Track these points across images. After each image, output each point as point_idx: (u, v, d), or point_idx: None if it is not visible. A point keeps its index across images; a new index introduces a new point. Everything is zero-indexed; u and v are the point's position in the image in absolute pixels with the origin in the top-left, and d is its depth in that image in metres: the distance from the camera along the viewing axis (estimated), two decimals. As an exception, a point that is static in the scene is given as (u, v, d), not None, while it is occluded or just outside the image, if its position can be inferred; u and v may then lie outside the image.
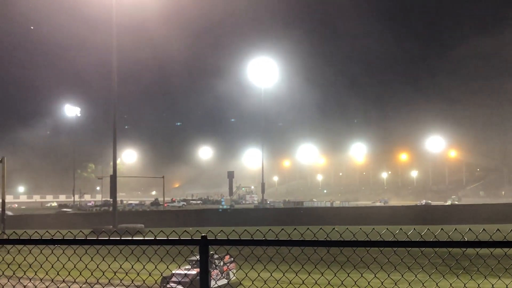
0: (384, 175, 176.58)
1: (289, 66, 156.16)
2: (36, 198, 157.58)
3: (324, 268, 5.66)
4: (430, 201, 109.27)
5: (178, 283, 16.66)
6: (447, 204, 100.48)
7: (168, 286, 16.65)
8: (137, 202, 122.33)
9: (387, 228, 5.83)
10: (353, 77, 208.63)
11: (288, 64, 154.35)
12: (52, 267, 6.20)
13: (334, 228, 5.49)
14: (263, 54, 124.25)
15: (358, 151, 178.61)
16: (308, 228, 5.60)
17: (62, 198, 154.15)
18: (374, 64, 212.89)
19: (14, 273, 8.64)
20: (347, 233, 5.56)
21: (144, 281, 6.33)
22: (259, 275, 5.74)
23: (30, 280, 11.34)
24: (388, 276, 5.60)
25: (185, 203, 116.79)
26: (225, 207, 74.29)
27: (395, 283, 5.62)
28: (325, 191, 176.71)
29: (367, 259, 5.85)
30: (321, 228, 5.58)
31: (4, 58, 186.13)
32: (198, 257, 14.86)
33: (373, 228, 5.50)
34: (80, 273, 6.26)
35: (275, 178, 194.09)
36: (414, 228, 5.01)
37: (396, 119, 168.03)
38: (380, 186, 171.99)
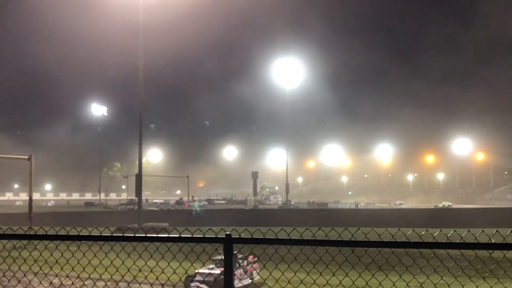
0: (410, 177, 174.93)
1: (315, 67, 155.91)
2: (63, 196, 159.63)
3: (348, 268, 5.63)
4: (451, 204, 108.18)
5: (202, 281, 16.72)
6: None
7: (192, 284, 16.72)
8: (162, 201, 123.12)
9: (413, 229, 5.78)
10: (380, 78, 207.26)
11: (314, 64, 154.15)
12: (78, 263, 6.27)
13: (359, 229, 5.45)
14: (288, 54, 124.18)
15: (384, 153, 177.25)
16: (333, 228, 5.57)
17: (88, 196, 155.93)
18: (401, 65, 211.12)
19: (40, 269, 8.78)
20: (372, 234, 5.53)
21: (168, 278, 6.36)
22: (283, 274, 5.73)
23: (56, 276, 11.50)
24: (414, 277, 5.55)
25: (206, 203, 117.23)
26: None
27: (421, 285, 5.57)
28: (350, 192, 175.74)
29: (392, 260, 5.79)
30: (346, 228, 5.56)
31: (33, 58, 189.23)
32: (222, 256, 14.88)
33: (399, 229, 5.45)
34: (106, 270, 6.32)
35: (300, 179, 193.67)
36: (441, 230, 4.95)
37: (423, 121, 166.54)
38: (406, 188, 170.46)
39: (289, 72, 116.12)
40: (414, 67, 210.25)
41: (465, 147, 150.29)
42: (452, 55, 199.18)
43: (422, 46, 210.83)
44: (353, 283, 5.90)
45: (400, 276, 5.97)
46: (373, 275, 5.67)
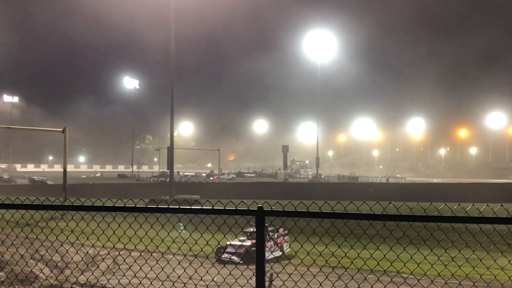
0: (442, 151, 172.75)
1: (347, 39, 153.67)
2: (96, 168, 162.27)
3: (380, 242, 5.66)
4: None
5: (234, 253, 16.93)
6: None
7: (223, 256, 16.95)
8: (193, 173, 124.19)
9: (445, 204, 5.75)
10: (413, 50, 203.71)
11: (346, 36, 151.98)
12: (114, 233, 6.42)
13: (390, 203, 5.45)
14: (320, 27, 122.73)
15: (416, 127, 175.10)
16: (364, 202, 5.59)
17: (121, 168, 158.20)
18: (434, 36, 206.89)
19: (77, 239, 9.02)
20: (404, 208, 5.52)
21: (201, 249, 6.49)
22: (314, 247, 5.78)
23: (92, 246, 11.80)
24: (445, 251, 5.56)
25: (234, 176, 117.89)
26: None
27: (452, 259, 5.58)
28: (381, 166, 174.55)
29: (424, 234, 5.79)
30: (377, 202, 5.56)
31: (66, 32, 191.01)
32: (253, 228, 15.01)
33: (431, 203, 5.43)
34: (141, 240, 6.46)
35: (330, 153, 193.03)
36: (473, 205, 4.92)
37: (456, 94, 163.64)
38: (438, 162, 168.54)
39: (321, 44, 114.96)
40: (448, 40, 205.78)
41: (500, 121, 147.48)
42: (486, 29, 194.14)
43: (459, 19, 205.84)
44: (384, 256, 5.94)
45: (431, 249, 5.98)
46: (404, 249, 5.69)
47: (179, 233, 6.97)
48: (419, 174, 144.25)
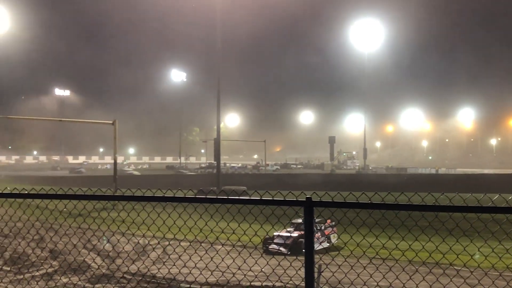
0: (493, 141, 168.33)
1: (395, 28, 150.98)
2: (145, 159, 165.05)
3: (432, 233, 5.54)
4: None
5: (281, 244, 16.96)
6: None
7: (270, 247, 17.00)
8: (239, 165, 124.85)
9: (499, 195, 5.60)
10: (462, 39, 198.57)
11: (394, 25, 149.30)
12: (164, 223, 6.50)
13: (443, 193, 5.32)
14: (367, 15, 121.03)
15: (466, 117, 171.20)
16: (416, 193, 5.47)
17: (169, 159, 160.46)
18: (485, 23, 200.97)
19: (128, 228, 9.17)
20: (457, 199, 5.39)
21: (250, 240, 6.50)
22: (364, 238, 5.71)
23: (143, 236, 11.99)
24: (500, 243, 5.40)
25: (278, 167, 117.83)
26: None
27: (507, 251, 5.42)
28: (430, 157, 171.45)
29: (477, 225, 5.65)
30: (429, 193, 5.44)
31: (115, 27, 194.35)
32: (300, 220, 15.00)
33: (485, 194, 5.29)
34: (190, 230, 6.52)
35: (378, 144, 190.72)
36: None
37: (508, 83, 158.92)
38: (489, 153, 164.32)
39: (368, 34, 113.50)
40: (499, 28, 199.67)
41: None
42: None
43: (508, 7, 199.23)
44: (436, 248, 5.82)
45: (485, 241, 5.82)
46: (457, 240, 5.55)
47: (228, 224, 7.00)
48: (470, 165, 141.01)
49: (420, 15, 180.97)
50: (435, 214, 4.53)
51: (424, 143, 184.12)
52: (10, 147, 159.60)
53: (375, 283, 6.32)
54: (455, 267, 7.04)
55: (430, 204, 4.49)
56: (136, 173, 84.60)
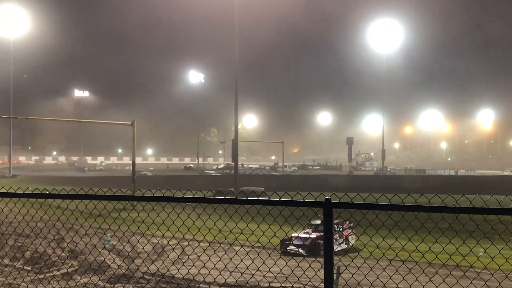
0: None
1: (413, 29, 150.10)
2: (163, 160, 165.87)
3: (452, 235, 5.51)
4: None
5: (299, 246, 16.94)
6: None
7: (288, 248, 16.99)
8: (257, 166, 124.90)
9: (505, 196, 5.55)
10: (482, 39, 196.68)
11: (413, 26, 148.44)
12: (183, 224, 6.54)
13: (463, 195, 5.29)
14: (385, 16, 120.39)
15: (486, 118, 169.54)
16: (436, 194, 5.45)
17: (187, 160, 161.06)
18: (505, 23, 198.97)
19: (148, 228, 9.24)
20: (477, 201, 5.35)
21: (269, 241, 6.52)
22: (383, 240, 5.70)
23: (162, 236, 12.08)
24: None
25: (296, 168, 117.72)
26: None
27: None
28: (449, 159, 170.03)
29: (498, 227, 5.61)
30: (449, 194, 5.41)
31: (134, 27, 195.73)
32: (318, 221, 14.96)
33: (506, 196, 5.24)
34: (209, 230, 6.56)
35: (396, 145, 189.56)
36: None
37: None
38: (509, 154, 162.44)
39: (386, 34, 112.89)
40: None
41: None
42: None
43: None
44: (457, 250, 5.79)
45: (506, 243, 5.79)
46: (477, 242, 5.52)
47: (247, 224, 7.02)
48: (489, 167, 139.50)
49: (439, 16, 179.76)
50: (455, 216, 4.51)
51: (443, 145, 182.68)
52: (30, 148, 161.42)
53: (395, 285, 6.30)
54: (476, 270, 7.00)
55: (450, 206, 4.47)
56: (148, 173, 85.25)
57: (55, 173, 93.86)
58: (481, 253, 8.53)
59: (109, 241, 14.67)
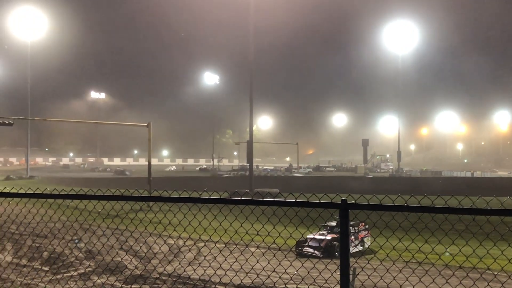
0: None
1: (429, 29, 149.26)
2: (179, 161, 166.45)
3: (468, 237, 5.49)
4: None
5: (314, 247, 16.92)
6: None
7: (303, 250, 16.98)
8: (272, 167, 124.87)
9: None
10: (498, 40, 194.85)
11: (428, 27, 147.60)
12: (200, 224, 6.58)
13: (480, 196, 5.28)
14: (401, 17, 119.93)
15: (502, 119, 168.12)
16: (452, 196, 5.44)
17: (202, 162, 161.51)
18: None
19: (165, 229, 9.31)
20: (494, 202, 5.33)
21: (285, 241, 6.54)
22: (400, 241, 5.70)
23: (179, 237, 12.16)
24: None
25: (311, 170, 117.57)
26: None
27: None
28: (465, 160, 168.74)
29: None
30: (466, 196, 5.40)
31: (149, 28, 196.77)
32: (333, 222, 14.94)
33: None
34: (225, 231, 6.58)
35: (412, 147, 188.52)
36: None
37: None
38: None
39: (402, 36, 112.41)
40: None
41: None
42: None
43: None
44: (474, 251, 5.76)
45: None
46: (494, 244, 5.49)
47: (263, 225, 7.05)
48: (506, 168, 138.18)
49: (455, 16, 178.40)
50: (472, 218, 4.50)
51: (459, 146, 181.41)
52: (47, 149, 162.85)
53: (411, 287, 6.30)
54: (493, 272, 6.97)
55: (467, 207, 4.46)
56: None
57: (70, 175, 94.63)
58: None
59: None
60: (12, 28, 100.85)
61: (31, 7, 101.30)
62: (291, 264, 6.82)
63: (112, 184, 61.26)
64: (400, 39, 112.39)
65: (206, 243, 10.20)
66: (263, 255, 7.19)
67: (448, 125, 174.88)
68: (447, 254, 9.26)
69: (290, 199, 5.27)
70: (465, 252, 6.15)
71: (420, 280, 5.89)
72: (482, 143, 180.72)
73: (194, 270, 9.54)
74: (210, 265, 8.12)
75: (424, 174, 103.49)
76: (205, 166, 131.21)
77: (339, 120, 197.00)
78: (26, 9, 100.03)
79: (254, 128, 61.84)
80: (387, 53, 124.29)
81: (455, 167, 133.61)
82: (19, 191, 6.30)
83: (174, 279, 10.93)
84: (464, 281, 5.98)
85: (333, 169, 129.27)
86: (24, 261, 13.45)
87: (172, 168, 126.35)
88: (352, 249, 16.38)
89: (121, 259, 12.27)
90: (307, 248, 16.98)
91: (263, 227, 6.75)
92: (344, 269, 4.72)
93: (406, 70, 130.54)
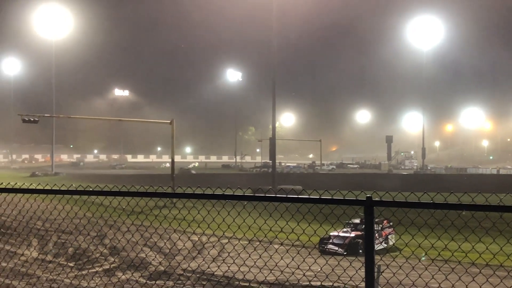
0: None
1: (454, 24, 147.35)
2: (202, 158, 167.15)
3: (496, 234, 5.41)
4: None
5: (337, 244, 16.86)
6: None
7: (327, 247, 16.92)
8: (294, 164, 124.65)
9: None
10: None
11: (453, 22, 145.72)
12: (224, 221, 6.59)
13: (508, 193, 5.19)
14: (425, 12, 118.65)
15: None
16: (479, 193, 5.36)
17: (225, 158, 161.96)
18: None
19: (189, 225, 9.35)
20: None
21: (309, 239, 6.51)
22: (426, 239, 5.63)
23: (203, 233, 12.23)
24: None
25: (334, 167, 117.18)
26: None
27: None
28: (491, 157, 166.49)
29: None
30: (493, 193, 5.31)
31: (172, 26, 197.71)
32: (356, 220, 14.87)
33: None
34: (249, 228, 6.59)
35: (436, 143, 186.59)
36: None
37: None
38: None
39: (426, 31, 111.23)
40: None
41: None
42: None
43: None
44: (501, 249, 5.69)
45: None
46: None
47: (287, 222, 7.04)
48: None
49: (480, 11, 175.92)
50: (500, 215, 4.42)
51: (485, 143, 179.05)
52: (71, 146, 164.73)
53: (437, 285, 6.24)
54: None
55: (494, 204, 4.39)
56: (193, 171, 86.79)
57: (95, 171, 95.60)
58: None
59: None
60: (37, 26, 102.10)
61: (57, 5, 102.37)
62: (315, 261, 6.81)
63: (137, 180, 61.74)
64: (425, 34, 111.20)
65: (230, 240, 10.24)
66: (287, 252, 7.18)
67: (473, 121, 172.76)
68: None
69: (314, 196, 5.24)
70: (492, 250, 6.07)
71: (446, 277, 5.83)
72: (508, 139, 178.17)
73: (218, 266, 9.57)
74: (234, 262, 8.12)
75: (449, 171, 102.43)
76: (229, 164, 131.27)
77: (363, 116, 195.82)
78: (52, 6, 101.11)
79: (276, 125, 61.82)
80: (411, 48, 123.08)
81: (480, 164, 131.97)
82: (45, 188, 6.36)
83: (198, 276, 10.97)
84: (491, 279, 5.90)
85: (356, 166, 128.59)
86: (49, 257, 13.62)
87: (194, 165, 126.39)
88: (377, 247, 16.28)
89: (146, 255, 12.36)
90: (331, 246, 16.93)
91: (287, 224, 6.74)
92: (369, 266, 4.69)
93: (431, 65, 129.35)
